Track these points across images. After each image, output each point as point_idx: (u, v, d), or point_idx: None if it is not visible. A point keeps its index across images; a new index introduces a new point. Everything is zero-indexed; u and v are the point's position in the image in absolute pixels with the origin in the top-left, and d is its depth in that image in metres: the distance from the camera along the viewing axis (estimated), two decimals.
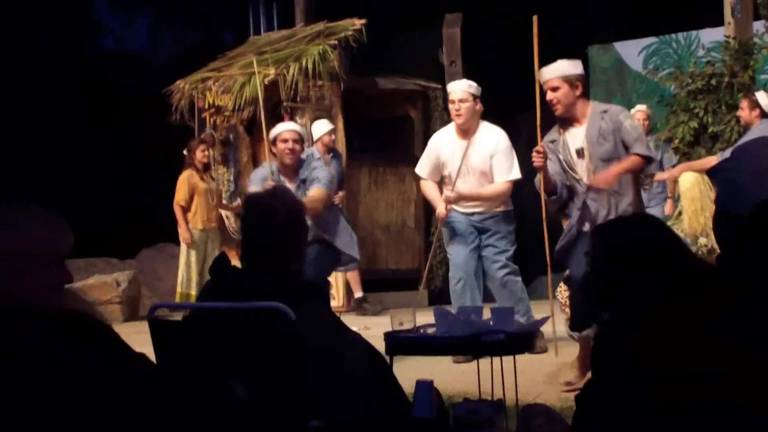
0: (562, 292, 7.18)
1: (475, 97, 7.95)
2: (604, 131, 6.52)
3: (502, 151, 7.96)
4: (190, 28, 21.43)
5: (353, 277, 11.51)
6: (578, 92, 6.62)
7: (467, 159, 7.93)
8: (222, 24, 21.19)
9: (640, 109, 10.83)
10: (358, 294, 11.59)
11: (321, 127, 10.82)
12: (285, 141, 7.89)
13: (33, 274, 2.72)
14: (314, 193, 7.70)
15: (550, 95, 6.63)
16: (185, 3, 20.82)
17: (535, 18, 6.97)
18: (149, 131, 16.44)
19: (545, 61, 6.74)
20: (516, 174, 7.98)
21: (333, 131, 10.92)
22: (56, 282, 2.79)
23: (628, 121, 6.57)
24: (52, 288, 2.77)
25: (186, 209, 11.09)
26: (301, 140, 7.98)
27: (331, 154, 10.67)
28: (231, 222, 11.78)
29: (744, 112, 9.70)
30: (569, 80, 6.60)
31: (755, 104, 9.60)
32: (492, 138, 7.99)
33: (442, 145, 8.10)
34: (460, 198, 7.90)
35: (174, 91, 12.56)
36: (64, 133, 18.01)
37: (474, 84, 8.06)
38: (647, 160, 6.50)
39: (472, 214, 8.02)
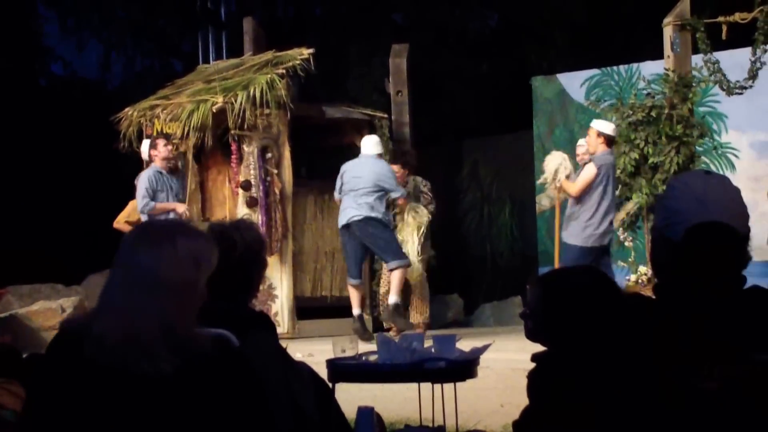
0: None
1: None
2: None
3: None
4: (141, 55, 21.36)
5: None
6: None
7: None
8: (172, 51, 21.17)
9: (581, 144, 10.53)
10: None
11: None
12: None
13: None
14: None
15: None
16: (136, 30, 20.78)
17: None
18: (98, 157, 16.38)
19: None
20: None
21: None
22: None
23: None
24: None
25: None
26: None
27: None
28: None
29: (590, 139, 9.90)
30: None
31: (600, 133, 9.82)
32: None
33: None
34: None
35: (122, 118, 12.55)
36: (12, 158, 17.89)
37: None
38: None
39: None
